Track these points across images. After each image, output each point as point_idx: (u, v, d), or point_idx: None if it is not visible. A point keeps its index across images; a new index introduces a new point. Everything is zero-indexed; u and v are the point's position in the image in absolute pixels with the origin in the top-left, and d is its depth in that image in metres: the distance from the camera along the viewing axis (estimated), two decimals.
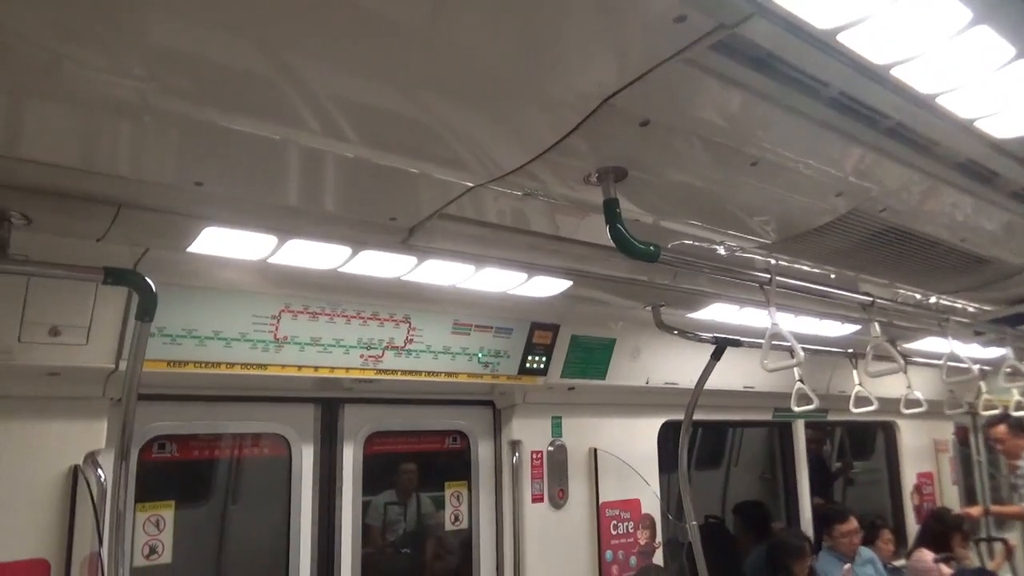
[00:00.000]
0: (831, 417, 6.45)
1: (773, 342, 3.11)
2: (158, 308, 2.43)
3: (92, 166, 2.10)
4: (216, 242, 2.56)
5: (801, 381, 4.06)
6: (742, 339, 4.10)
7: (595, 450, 4.57)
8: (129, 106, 1.77)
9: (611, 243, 2.42)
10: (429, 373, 3.71)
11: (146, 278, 2.34)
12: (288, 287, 3.09)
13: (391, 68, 1.69)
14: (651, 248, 2.45)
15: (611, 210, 2.33)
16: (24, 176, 2.09)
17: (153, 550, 3.24)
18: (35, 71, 1.61)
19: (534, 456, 4.34)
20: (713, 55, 1.75)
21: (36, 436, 2.81)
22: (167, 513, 3.31)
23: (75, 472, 2.83)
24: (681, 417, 4.62)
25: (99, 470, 2.90)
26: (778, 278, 3.09)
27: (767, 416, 6.03)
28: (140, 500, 3.21)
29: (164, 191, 2.25)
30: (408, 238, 2.76)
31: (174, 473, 3.43)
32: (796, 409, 4.12)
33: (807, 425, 6.41)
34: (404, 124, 1.97)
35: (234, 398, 3.51)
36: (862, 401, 4.52)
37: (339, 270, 2.94)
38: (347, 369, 3.43)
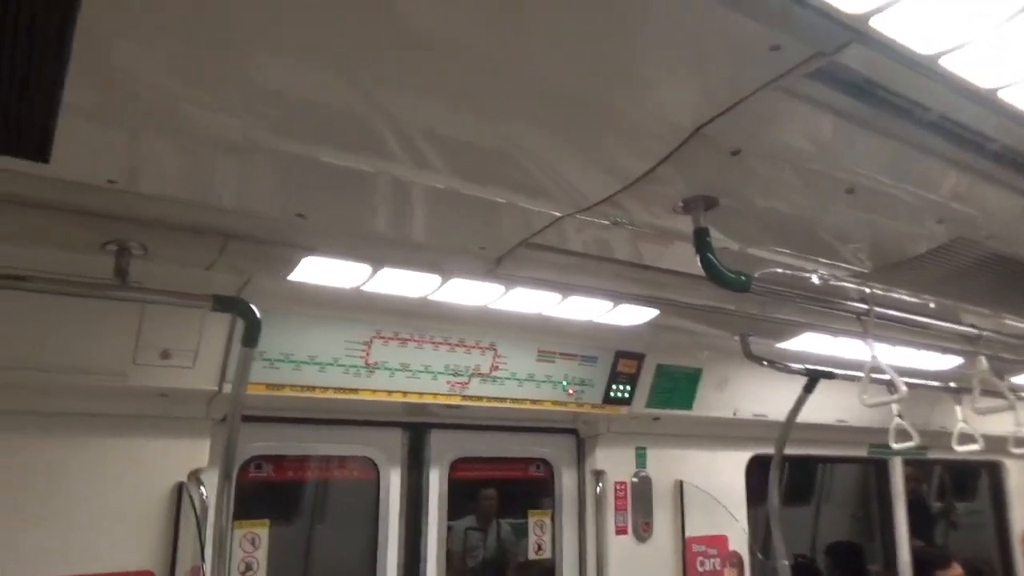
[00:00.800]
0: (931, 455, 6.11)
1: (872, 375, 3.00)
2: None
3: (203, 199, 2.23)
4: (314, 271, 2.67)
5: (900, 416, 3.88)
6: (836, 371, 3.96)
7: (681, 482, 4.47)
8: (237, 143, 1.89)
9: (697, 271, 2.40)
10: (514, 400, 3.74)
11: (251, 305, 2.46)
12: (379, 314, 3.19)
13: (476, 99, 1.74)
14: (742, 277, 2.41)
15: (701, 239, 2.31)
16: (142, 209, 2.24)
17: (249, 567, 3.36)
18: (155, 112, 1.74)
19: (618, 487, 4.28)
20: (808, 82, 1.73)
21: (145, 453, 2.98)
22: (262, 531, 3.43)
23: (180, 489, 2.98)
24: (770, 451, 4.48)
25: (201, 488, 3.04)
26: (877, 308, 2.98)
27: (862, 452, 5.77)
28: (237, 518, 3.34)
29: (268, 223, 2.37)
30: (496, 267, 2.81)
31: (269, 492, 3.56)
32: (894, 446, 3.93)
33: (904, 462, 6.09)
34: (491, 155, 2.02)
35: (326, 421, 3.62)
36: (966, 439, 4.28)
37: (428, 297, 3.02)
38: (434, 395, 3.50)
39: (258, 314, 2.47)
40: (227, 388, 2.93)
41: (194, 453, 3.07)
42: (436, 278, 2.85)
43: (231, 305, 2.42)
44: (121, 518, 2.88)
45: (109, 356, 2.70)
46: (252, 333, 2.47)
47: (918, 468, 6.74)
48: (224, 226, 2.38)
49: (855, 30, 1.48)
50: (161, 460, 2.99)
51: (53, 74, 1.55)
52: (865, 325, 2.99)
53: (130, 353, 2.72)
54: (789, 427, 4.23)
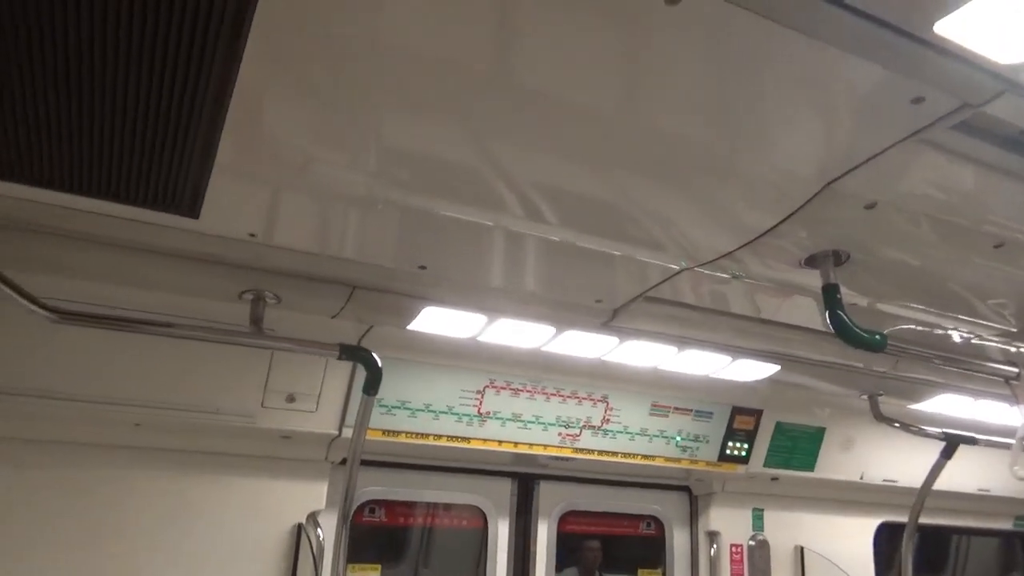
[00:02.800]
0: None
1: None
2: None
3: (332, 251, 2.34)
4: (433, 320, 2.73)
5: None
6: (978, 436, 3.66)
7: (801, 548, 4.22)
8: (365, 198, 1.98)
9: (819, 325, 2.29)
10: (625, 455, 3.66)
11: (373, 354, 2.53)
12: (493, 363, 3.22)
13: (594, 155, 1.75)
14: (876, 336, 2.28)
15: (831, 296, 2.21)
16: (278, 261, 2.37)
17: None
18: (293, 170, 1.84)
19: (733, 550, 4.09)
20: (952, 133, 1.65)
21: (267, 494, 3.10)
22: (374, 575, 3.47)
23: (298, 530, 3.07)
24: (899, 518, 4.18)
25: (319, 529, 3.12)
26: None
27: (1006, 524, 5.28)
28: (350, 560, 3.40)
29: (392, 274, 2.45)
30: (611, 319, 2.79)
31: (381, 537, 3.61)
32: None
33: None
34: (608, 209, 2.02)
35: (437, 468, 3.67)
36: None
37: (542, 348, 3.02)
38: (545, 446, 3.47)
39: (380, 363, 2.54)
40: (346, 432, 3.02)
41: (312, 495, 3.16)
42: (551, 329, 2.85)
43: (355, 354, 2.51)
44: (244, 556, 2.99)
45: (240, 398, 2.85)
46: (374, 381, 2.55)
47: None
48: (351, 277, 2.48)
49: (1008, 80, 1.40)
50: (282, 501, 3.10)
51: (208, 137, 1.68)
52: (1016, 389, 2.76)
53: (259, 396, 2.86)
54: (925, 494, 3.94)
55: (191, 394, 2.79)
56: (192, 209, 2.00)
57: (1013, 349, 3.03)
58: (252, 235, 2.16)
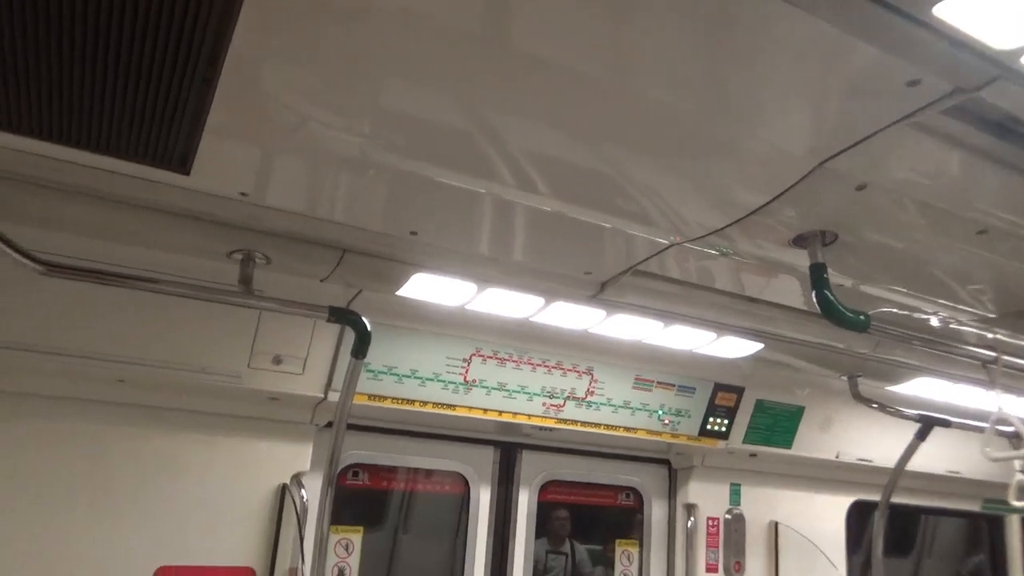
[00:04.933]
0: None
1: (997, 427, 2.81)
2: None
3: (323, 214, 2.33)
4: (422, 287, 2.74)
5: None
6: (952, 419, 3.73)
7: (776, 524, 4.31)
8: (358, 161, 1.97)
9: (803, 305, 2.31)
10: (608, 426, 3.70)
11: (363, 318, 2.54)
12: (480, 332, 3.24)
13: (588, 126, 1.75)
14: (861, 317, 2.32)
15: (818, 275, 2.24)
16: (268, 221, 2.36)
17: (342, 572, 3.45)
18: (286, 130, 1.83)
19: (710, 523, 4.17)
20: (944, 118, 1.66)
21: (252, 454, 3.12)
22: (356, 537, 3.52)
23: (282, 491, 3.09)
24: (873, 497, 4.27)
25: (303, 490, 3.15)
26: (1005, 357, 2.80)
27: (974, 506, 5.41)
28: (333, 522, 3.43)
29: (383, 239, 2.45)
30: (600, 292, 2.80)
31: (364, 500, 3.65)
32: (1015, 504, 3.66)
33: None
34: (601, 181, 2.03)
35: (422, 434, 3.70)
36: None
37: (530, 319, 3.04)
38: (529, 416, 3.51)
39: (369, 327, 2.55)
40: (332, 396, 3.04)
41: (297, 457, 3.19)
42: (539, 300, 2.87)
43: (344, 317, 2.51)
44: (228, 515, 3.02)
45: (227, 358, 2.85)
46: (362, 345, 2.56)
47: None
48: (341, 240, 2.48)
49: (1003, 66, 1.41)
50: (267, 462, 3.12)
51: (201, 95, 1.67)
52: (992, 373, 2.81)
53: (246, 357, 2.86)
54: (898, 474, 4.02)
55: (177, 352, 2.79)
56: (183, 166, 1.99)
57: (991, 335, 3.09)
58: (243, 194, 2.15)
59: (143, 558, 2.87)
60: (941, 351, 2.95)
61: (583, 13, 1.36)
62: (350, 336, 2.60)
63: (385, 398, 3.19)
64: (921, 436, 3.82)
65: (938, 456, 4.42)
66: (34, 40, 1.48)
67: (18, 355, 2.59)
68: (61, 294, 2.54)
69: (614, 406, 3.66)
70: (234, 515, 3.02)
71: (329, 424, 3.18)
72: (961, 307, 2.84)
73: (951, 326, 3.01)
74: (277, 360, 2.92)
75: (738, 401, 3.93)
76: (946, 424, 3.76)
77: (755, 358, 3.51)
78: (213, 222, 2.33)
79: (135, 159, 1.98)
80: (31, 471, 2.76)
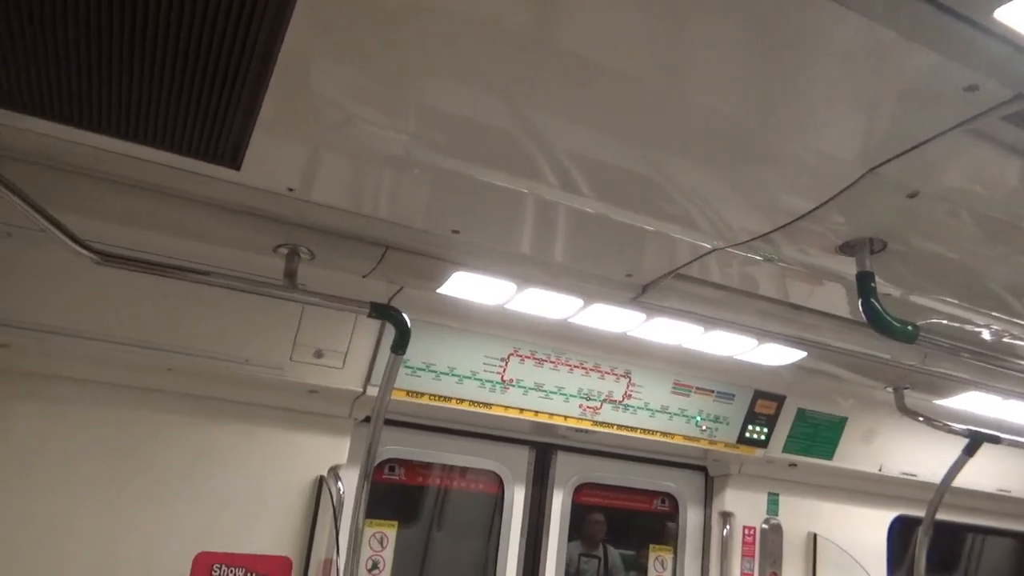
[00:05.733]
0: None
1: None
2: None
3: (367, 211, 2.36)
4: (463, 285, 2.76)
5: None
6: (1003, 436, 3.62)
7: (815, 535, 4.23)
8: (402, 159, 1.99)
9: (848, 314, 2.26)
10: (644, 431, 3.68)
11: (403, 315, 2.56)
12: (519, 332, 3.24)
13: (633, 128, 1.74)
14: (909, 327, 2.26)
15: (865, 284, 2.19)
16: (314, 217, 2.40)
17: (375, 565, 3.49)
18: (332, 127, 1.86)
19: (746, 532, 4.11)
20: (1002, 124, 1.61)
21: (291, 445, 3.17)
22: (391, 532, 3.55)
23: (319, 483, 3.14)
24: (916, 512, 4.17)
25: (339, 483, 3.19)
26: None
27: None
28: (368, 516, 3.47)
29: (425, 236, 2.47)
30: (641, 295, 2.79)
31: (399, 495, 3.68)
32: None
33: None
34: (644, 184, 2.01)
35: (458, 432, 3.72)
36: None
37: (568, 320, 3.03)
38: (565, 417, 3.50)
39: (409, 323, 2.57)
40: (371, 390, 3.07)
41: (335, 450, 3.23)
42: (578, 301, 2.86)
43: (385, 313, 2.54)
44: (266, 504, 3.07)
45: (269, 350, 2.90)
46: (402, 341, 2.58)
47: None
48: (384, 237, 2.51)
49: None
50: (305, 454, 3.17)
51: (253, 92, 1.71)
52: None
53: (288, 350, 2.91)
54: (944, 490, 3.92)
55: (222, 343, 2.85)
56: (234, 161, 2.03)
57: None
58: (291, 190, 2.19)
59: (185, 543, 2.93)
60: (992, 364, 2.88)
61: (633, 16, 1.35)
62: (390, 332, 2.63)
63: (423, 394, 3.22)
64: (969, 452, 3.72)
65: (987, 473, 4.30)
66: (96, 35, 1.52)
67: (72, 341, 2.67)
68: (113, 283, 2.61)
69: (651, 410, 3.63)
70: (272, 505, 3.08)
71: (367, 419, 3.22)
72: (1015, 320, 2.76)
73: (1004, 339, 2.92)
74: (319, 354, 2.96)
75: (779, 409, 3.87)
76: (996, 440, 3.65)
77: (797, 366, 3.45)
78: (261, 216, 2.37)
79: (188, 154, 2.03)
80: (82, 454, 2.85)
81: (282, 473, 3.14)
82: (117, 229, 2.35)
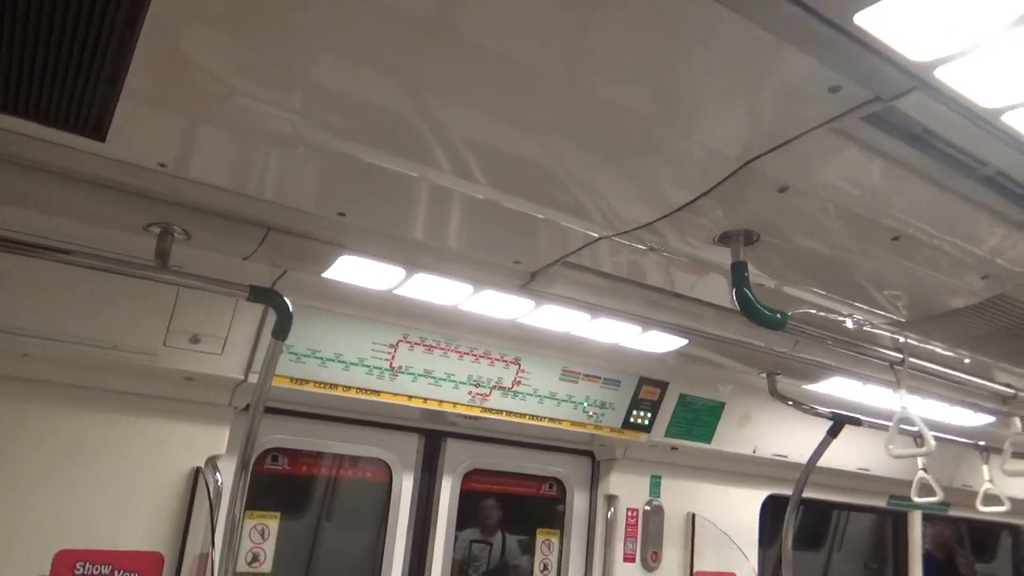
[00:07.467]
0: (952, 512, 5.98)
1: (901, 426, 2.94)
2: None
3: (248, 190, 2.26)
4: (349, 270, 2.69)
5: (925, 471, 3.80)
6: (862, 418, 3.89)
7: (693, 515, 4.42)
8: (287, 137, 1.91)
9: (728, 303, 2.36)
10: (533, 417, 3.72)
11: (285, 299, 2.48)
12: (408, 319, 3.20)
13: (524, 114, 1.74)
14: (778, 315, 2.38)
15: (739, 273, 2.29)
16: (188, 194, 2.27)
17: (256, 557, 3.38)
18: (211, 101, 1.76)
19: (629, 513, 4.25)
20: (863, 125, 1.72)
21: (166, 435, 3.01)
22: (272, 523, 3.45)
23: (196, 474, 3.00)
24: (786, 491, 4.42)
25: (217, 474, 3.06)
26: (911, 359, 2.93)
27: (880, 502, 5.67)
28: (248, 508, 3.36)
29: (309, 218, 2.39)
30: (530, 282, 2.81)
31: (282, 485, 3.57)
32: (916, 500, 3.85)
33: (927, 517, 5.97)
34: (534, 171, 2.02)
35: (345, 420, 3.64)
36: (991, 500, 4.18)
37: (458, 306, 3.02)
38: (454, 404, 3.49)
39: (291, 308, 2.49)
40: (252, 378, 2.96)
41: (213, 439, 3.10)
42: (468, 288, 2.85)
43: (265, 296, 2.45)
44: (137, 498, 2.91)
45: (141, 336, 2.74)
46: (283, 326, 2.49)
47: (947, 525, 6.60)
48: (266, 218, 2.41)
49: (918, 78, 1.47)
50: (181, 444, 3.02)
51: (118, 57, 1.59)
52: (898, 375, 2.94)
53: (161, 335, 2.76)
54: (810, 470, 4.17)
55: (87, 327, 2.66)
56: (98, 131, 1.89)
57: (901, 338, 3.23)
58: (162, 164, 2.06)
59: (43, 540, 2.73)
60: (854, 352, 3.07)
61: (534, 5, 1.34)
62: (273, 318, 2.53)
63: (308, 382, 3.13)
64: (833, 433, 3.97)
65: (850, 453, 4.60)
66: None
67: None
68: None
69: (540, 397, 3.68)
70: (143, 498, 2.91)
71: (248, 407, 3.10)
72: (875, 311, 2.95)
73: (864, 328, 3.12)
74: (195, 339, 2.82)
75: (662, 395, 4.00)
76: (856, 422, 3.92)
77: (680, 353, 3.58)
78: (129, 192, 2.22)
79: (47, 123, 1.87)
80: None
81: (155, 465, 2.98)
82: None
